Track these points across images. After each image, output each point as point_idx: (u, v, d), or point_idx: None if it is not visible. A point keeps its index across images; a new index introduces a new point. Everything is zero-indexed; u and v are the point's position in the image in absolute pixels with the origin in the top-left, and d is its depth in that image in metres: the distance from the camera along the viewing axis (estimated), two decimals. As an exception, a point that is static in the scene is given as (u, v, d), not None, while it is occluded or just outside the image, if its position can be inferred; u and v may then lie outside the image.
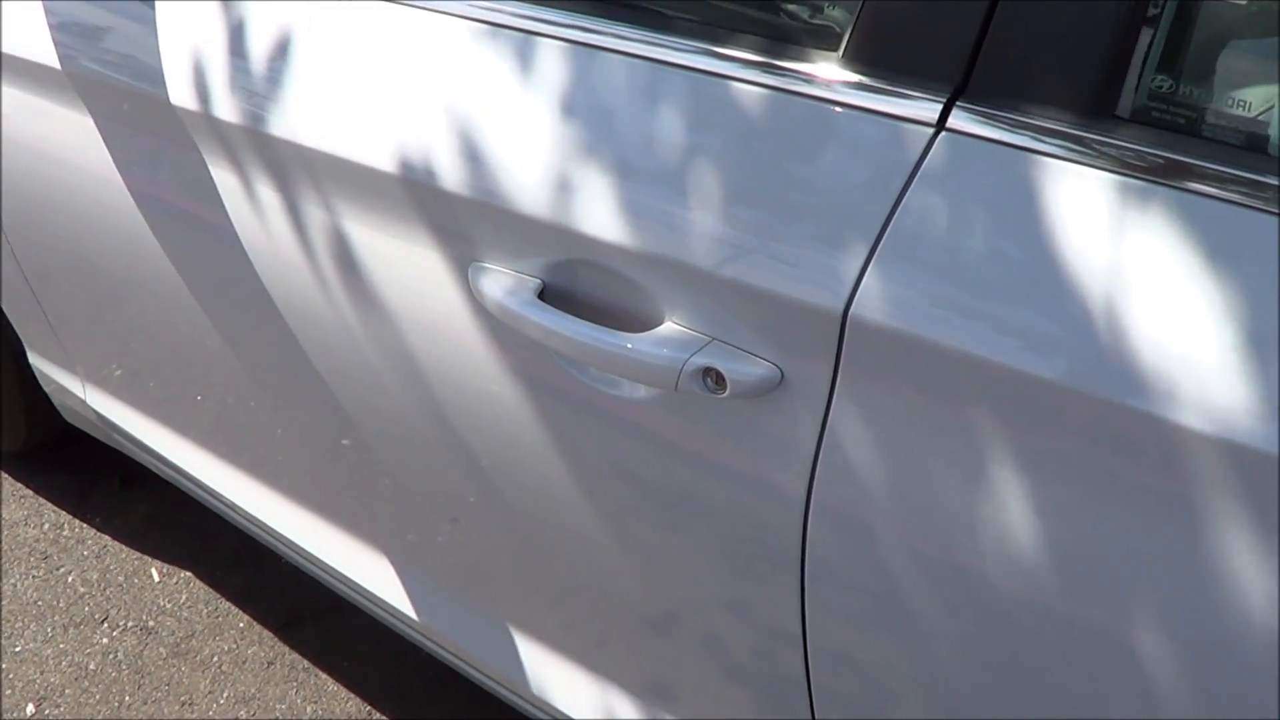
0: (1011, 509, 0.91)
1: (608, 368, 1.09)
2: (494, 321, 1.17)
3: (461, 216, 1.16)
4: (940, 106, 0.93)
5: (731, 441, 1.06)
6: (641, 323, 1.07)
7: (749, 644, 1.17)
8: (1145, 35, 0.89)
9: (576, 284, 1.11)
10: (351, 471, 1.48)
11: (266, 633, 2.01)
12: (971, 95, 0.93)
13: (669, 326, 1.06)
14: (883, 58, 0.97)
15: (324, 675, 1.93)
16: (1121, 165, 0.86)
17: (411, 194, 1.18)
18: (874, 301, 0.93)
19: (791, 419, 1.01)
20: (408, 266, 1.22)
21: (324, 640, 2.00)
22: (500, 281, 1.13)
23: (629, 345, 1.05)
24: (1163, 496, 0.85)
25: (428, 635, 1.56)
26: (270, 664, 1.95)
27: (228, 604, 2.06)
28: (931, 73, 0.94)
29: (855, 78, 0.97)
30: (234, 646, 1.98)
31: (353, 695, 1.90)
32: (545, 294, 1.12)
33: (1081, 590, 0.90)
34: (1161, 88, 0.89)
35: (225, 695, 1.89)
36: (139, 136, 1.47)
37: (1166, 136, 0.87)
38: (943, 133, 0.93)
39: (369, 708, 1.88)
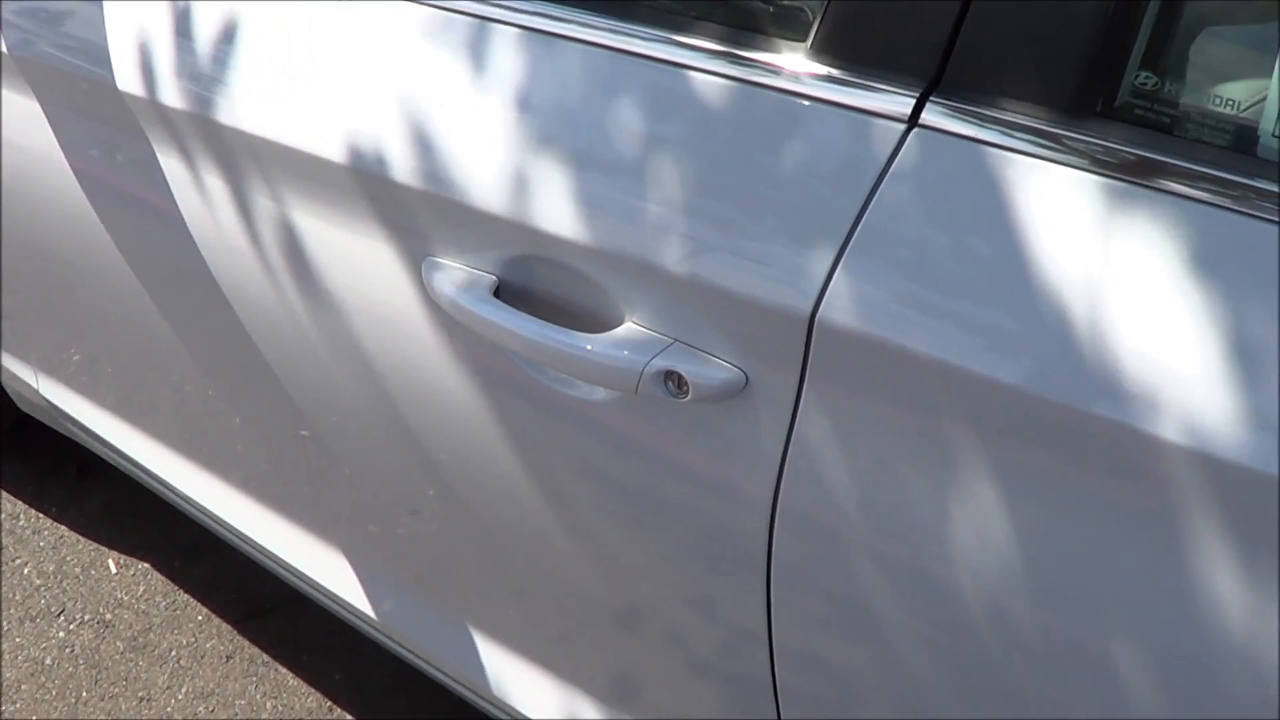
0: (983, 519, 0.88)
1: (565, 369, 1.06)
2: (449, 318, 1.13)
3: (414, 210, 1.12)
4: (913, 101, 0.89)
5: (694, 445, 1.03)
6: (601, 322, 1.04)
7: (713, 645, 1.15)
8: (1129, 28, 0.85)
9: (533, 281, 1.08)
10: (308, 468, 1.45)
11: (225, 626, 1.98)
12: (945, 90, 0.89)
13: (629, 327, 1.02)
14: (853, 49, 0.93)
15: (284, 669, 1.91)
16: (1102, 165, 0.83)
17: (361, 186, 1.15)
18: (843, 304, 0.90)
19: (756, 425, 0.98)
20: (360, 260, 1.19)
21: (284, 633, 1.97)
22: (454, 278, 1.10)
23: (587, 346, 1.01)
24: (1131, 507, 0.82)
25: (387, 634, 1.53)
26: (229, 658, 1.92)
27: (186, 596, 2.03)
28: (904, 66, 0.90)
29: (824, 70, 0.94)
30: (193, 640, 1.95)
31: (313, 690, 1.87)
32: (501, 291, 1.09)
33: (1047, 599, 0.87)
34: (1145, 84, 0.85)
35: (184, 690, 1.86)
36: (88, 123, 1.43)
37: (1150, 135, 0.84)
38: (915, 129, 0.89)
39: (329, 703, 1.85)
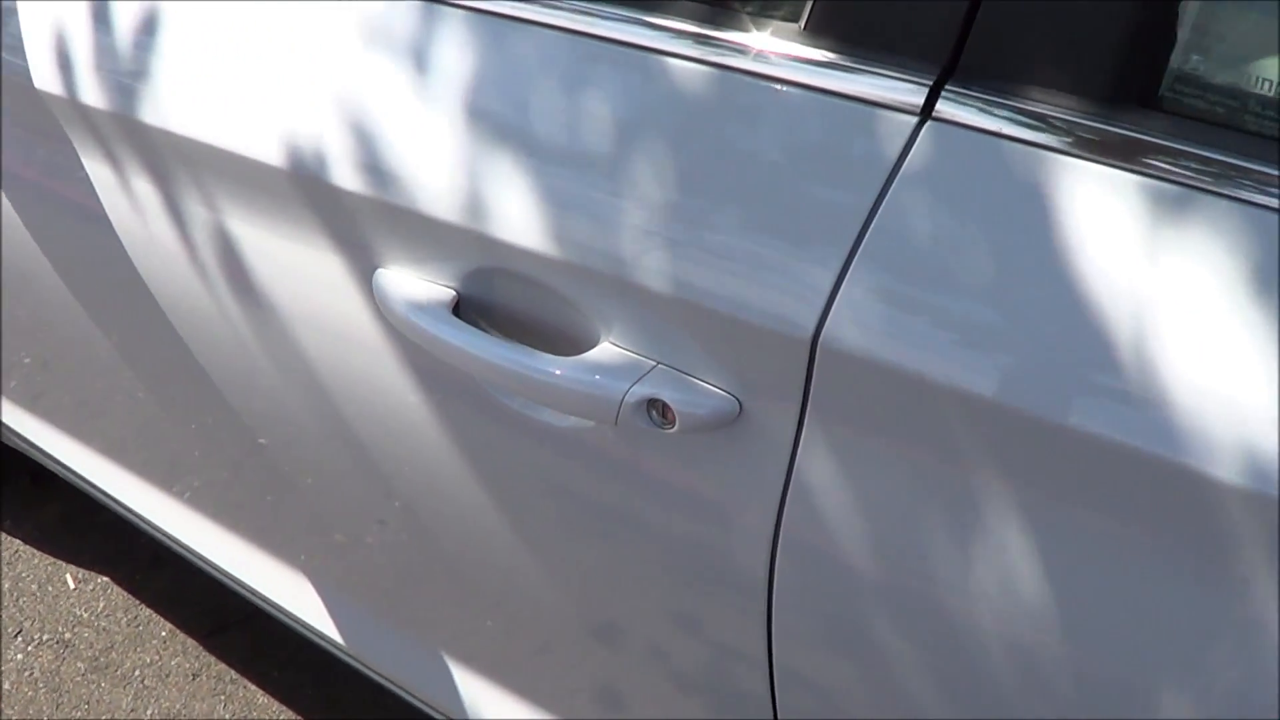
0: (1012, 562, 0.81)
1: (535, 397, 0.97)
2: (404, 336, 1.05)
3: (360, 218, 1.03)
4: (925, 90, 0.81)
5: (682, 476, 0.95)
6: (574, 342, 0.95)
7: (703, 669, 1.08)
8: (1173, 4, 0.76)
9: (497, 296, 0.99)
10: (264, 490, 1.38)
11: (191, 642, 1.91)
12: (962, 77, 0.81)
13: (606, 349, 0.93)
14: (855, 31, 0.84)
15: (253, 686, 1.85)
16: (1142, 162, 0.74)
17: (302, 191, 1.06)
18: (849, 322, 0.82)
19: (752, 458, 0.89)
20: (307, 273, 1.10)
21: (252, 647, 1.91)
22: (408, 293, 1.01)
23: (557, 371, 0.93)
24: (1157, 543, 0.76)
25: (356, 658, 1.47)
26: (195, 676, 1.86)
27: (149, 611, 1.96)
28: (915, 50, 0.82)
29: (821, 55, 0.85)
30: (156, 658, 1.89)
31: (285, 708, 1.82)
32: (461, 308, 1.00)
33: (1071, 638, 0.81)
34: (1194, 69, 0.77)
35: (149, 712, 1.80)
36: (10, 127, 1.35)
37: (1198, 128, 0.75)
38: (929, 121, 0.81)
39: (300, 720, 1.80)
